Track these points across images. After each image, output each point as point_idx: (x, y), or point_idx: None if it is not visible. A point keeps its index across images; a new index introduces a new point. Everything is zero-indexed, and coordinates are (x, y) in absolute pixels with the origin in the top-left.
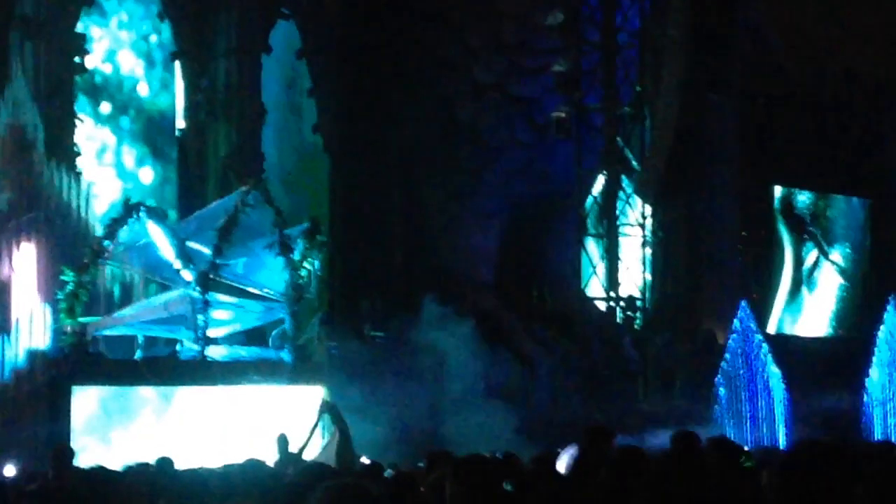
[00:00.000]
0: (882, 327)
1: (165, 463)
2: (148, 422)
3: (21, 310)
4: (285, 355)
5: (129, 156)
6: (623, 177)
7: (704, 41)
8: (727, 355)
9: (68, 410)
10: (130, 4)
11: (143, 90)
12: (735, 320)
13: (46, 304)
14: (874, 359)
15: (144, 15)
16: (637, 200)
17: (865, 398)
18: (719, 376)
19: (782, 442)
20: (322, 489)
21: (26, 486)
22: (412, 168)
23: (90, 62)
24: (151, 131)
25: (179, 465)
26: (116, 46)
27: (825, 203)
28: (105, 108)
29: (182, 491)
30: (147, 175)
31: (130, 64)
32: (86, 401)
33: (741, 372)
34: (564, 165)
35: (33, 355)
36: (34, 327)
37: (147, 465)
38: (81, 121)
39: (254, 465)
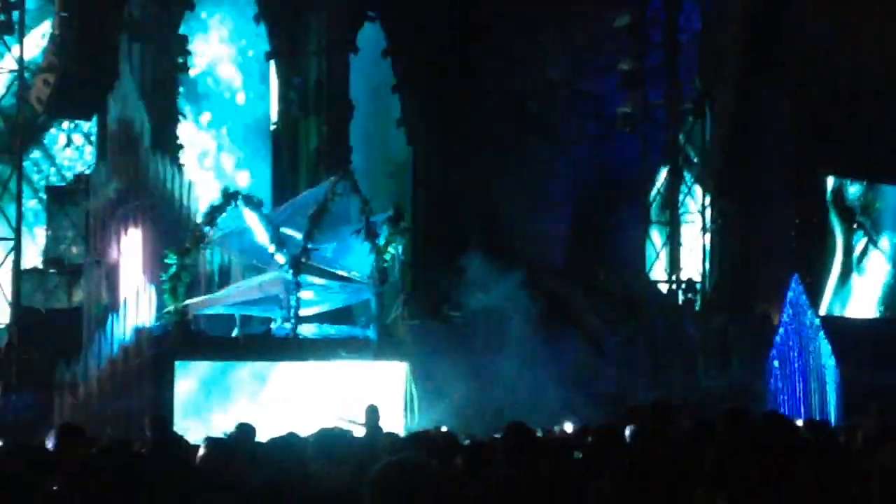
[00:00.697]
0: None
1: (246, 429)
2: (242, 393)
3: (129, 290)
4: (371, 333)
5: (228, 161)
6: (684, 169)
7: (759, 41)
8: (781, 330)
9: (171, 383)
10: (227, 8)
11: (240, 94)
12: (789, 295)
13: (152, 286)
14: None
15: (240, 18)
16: (697, 190)
17: None
18: (773, 352)
19: (833, 416)
20: (384, 463)
21: (131, 448)
22: (487, 158)
23: (193, 69)
24: (248, 134)
25: (273, 433)
26: (215, 49)
27: (874, 194)
28: (206, 116)
29: (274, 455)
30: (244, 178)
31: (229, 65)
32: (187, 374)
33: (794, 348)
34: (630, 158)
35: (140, 332)
36: (140, 306)
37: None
38: (185, 116)
39: (338, 433)
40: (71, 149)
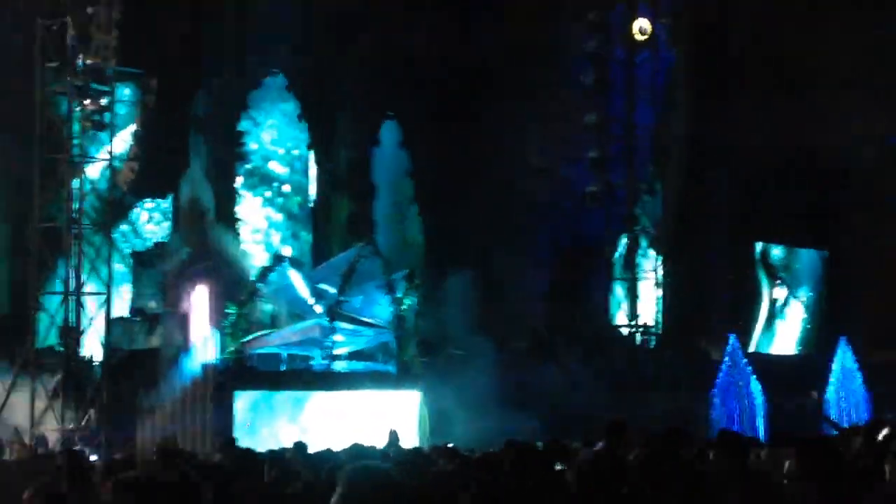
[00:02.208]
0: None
1: (301, 446)
2: (286, 416)
3: (197, 334)
4: (391, 367)
5: (275, 236)
6: (641, 236)
7: (701, 133)
8: (721, 372)
9: (231, 408)
10: (276, 110)
11: (286, 180)
12: (727, 346)
13: (215, 330)
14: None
15: (285, 117)
16: (651, 253)
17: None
18: (715, 388)
19: (761, 433)
20: (350, 468)
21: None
22: (483, 227)
23: (250, 159)
24: (292, 216)
25: (311, 448)
26: (266, 141)
27: (793, 255)
28: (256, 201)
29: (314, 466)
30: (287, 251)
31: (276, 153)
32: (243, 401)
33: (731, 385)
34: (596, 227)
35: (206, 367)
36: (206, 346)
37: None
38: (241, 196)
39: (363, 448)
40: (151, 222)
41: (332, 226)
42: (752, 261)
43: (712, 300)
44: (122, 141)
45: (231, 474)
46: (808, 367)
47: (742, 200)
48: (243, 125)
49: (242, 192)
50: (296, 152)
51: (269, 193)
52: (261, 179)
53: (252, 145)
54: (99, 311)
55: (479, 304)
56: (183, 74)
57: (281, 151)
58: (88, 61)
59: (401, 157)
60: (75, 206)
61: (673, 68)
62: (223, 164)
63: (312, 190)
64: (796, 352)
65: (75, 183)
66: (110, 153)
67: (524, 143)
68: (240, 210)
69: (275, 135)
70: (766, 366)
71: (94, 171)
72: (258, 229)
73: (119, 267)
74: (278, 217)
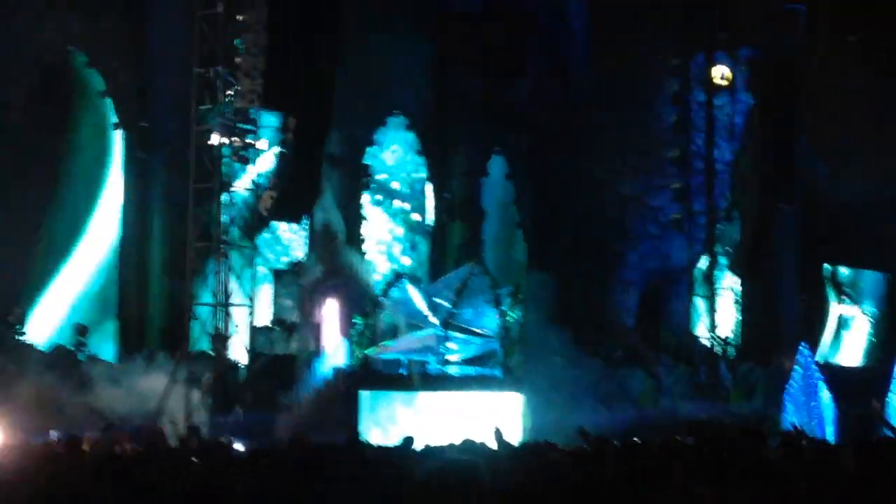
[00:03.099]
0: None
1: (409, 440)
2: (405, 413)
3: (328, 341)
4: (497, 372)
5: (396, 247)
6: (719, 258)
7: (774, 169)
8: (792, 378)
9: (357, 406)
10: (400, 145)
11: (406, 204)
12: (798, 356)
13: (344, 338)
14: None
15: (409, 151)
16: (728, 273)
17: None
18: (787, 392)
19: (829, 435)
20: (438, 461)
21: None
22: (579, 250)
23: (376, 183)
24: (410, 234)
25: (425, 442)
26: (390, 173)
27: (858, 276)
28: (381, 217)
29: (422, 459)
30: (406, 261)
31: (399, 184)
32: (370, 402)
33: (801, 390)
34: (679, 250)
35: (336, 371)
36: (337, 353)
37: (406, 440)
38: (366, 219)
39: (473, 444)
40: (289, 244)
41: (446, 247)
42: (820, 280)
43: (784, 315)
44: (264, 172)
45: (353, 463)
46: (872, 377)
47: (811, 226)
48: (369, 158)
49: (368, 207)
50: (416, 175)
51: (391, 209)
52: (384, 196)
53: (378, 176)
54: (244, 320)
55: (577, 318)
56: (316, 115)
57: (402, 175)
58: (236, 104)
59: (507, 188)
60: (223, 229)
61: (749, 110)
62: (351, 192)
63: (430, 216)
64: (861, 363)
65: (223, 209)
66: (253, 183)
67: (615, 174)
68: (365, 225)
69: (399, 167)
70: (834, 375)
71: (239, 199)
72: (382, 241)
73: (264, 283)
74: (399, 231)
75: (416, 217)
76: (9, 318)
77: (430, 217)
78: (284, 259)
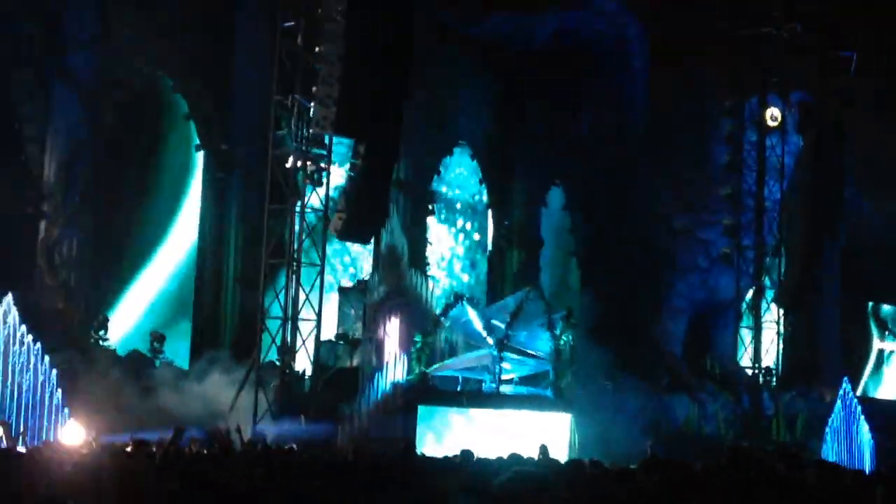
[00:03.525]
0: None
1: (467, 453)
2: (460, 428)
3: (389, 357)
4: (548, 393)
5: (457, 264)
6: (765, 291)
7: (821, 207)
8: (834, 409)
9: (415, 419)
10: (464, 174)
11: (468, 219)
12: (840, 389)
13: (404, 355)
14: None
15: (471, 177)
16: (773, 307)
17: None
18: (828, 424)
19: (865, 466)
20: (512, 471)
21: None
22: (630, 281)
23: (440, 206)
24: (470, 252)
25: (479, 454)
26: (454, 195)
27: None
28: (446, 235)
29: (479, 470)
30: (465, 278)
31: (462, 210)
32: (427, 416)
33: (842, 423)
34: (727, 283)
35: (395, 386)
36: (397, 369)
37: (464, 453)
38: (430, 243)
39: (520, 458)
40: (356, 264)
41: (504, 272)
42: (864, 315)
43: (826, 348)
44: (334, 195)
45: (409, 473)
46: None
47: (855, 264)
48: (435, 186)
49: (432, 225)
50: (478, 199)
51: (453, 229)
52: (448, 214)
53: (444, 196)
54: (310, 334)
55: (626, 344)
56: (385, 143)
57: (466, 198)
58: (310, 130)
59: (564, 218)
60: (294, 247)
61: (798, 151)
62: (417, 217)
63: (489, 240)
64: None
65: (296, 228)
66: (324, 205)
67: (668, 208)
68: (429, 247)
69: (462, 194)
70: (873, 408)
71: (310, 219)
72: (443, 257)
73: (331, 297)
74: (460, 250)
75: (476, 237)
76: (94, 323)
77: (490, 243)
78: (351, 277)
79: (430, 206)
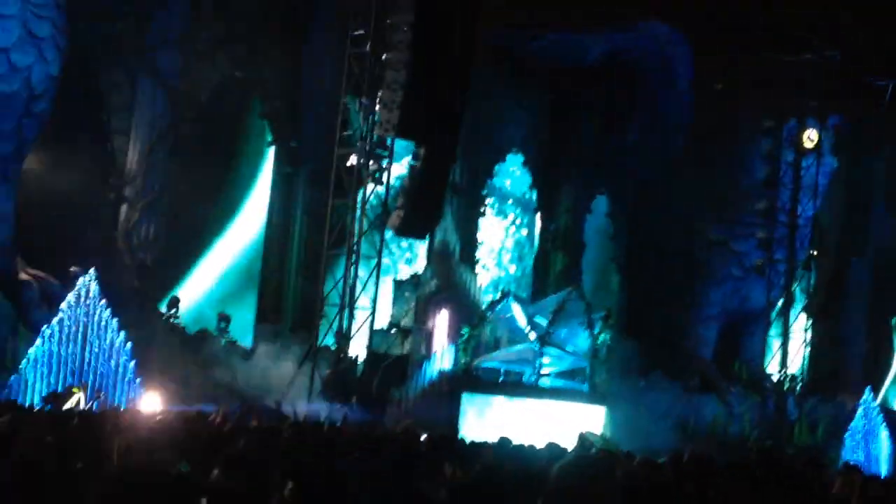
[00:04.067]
0: None
1: (505, 441)
2: (501, 415)
3: (438, 347)
4: (584, 387)
5: (506, 255)
6: (795, 302)
7: (851, 225)
8: (855, 416)
9: (459, 406)
10: (513, 178)
11: (514, 230)
12: (862, 398)
13: (451, 346)
14: None
15: (520, 183)
16: (802, 317)
17: None
18: (849, 430)
19: (882, 471)
20: (573, 456)
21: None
22: (666, 287)
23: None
24: (518, 246)
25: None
26: (504, 203)
27: None
28: (497, 227)
29: (517, 456)
30: (512, 269)
31: (511, 213)
32: (469, 403)
33: (862, 431)
34: (759, 293)
35: (442, 374)
36: (444, 358)
37: (502, 440)
38: (481, 243)
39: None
40: (411, 258)
41: (548, 272)
42: (888, 329)
43: (850, 358)
44: (394, 193)
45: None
46: None
47: (881, 279)
48: (487, 189)
49: (484, 218)
50: (527, 201)
51: (504, 222)
52: (500, 207)
53: (492, 204)
54: (365, 322)
55: (660, 346)
56: (443, 147)
57: (517, 197)
58: (374, 132)
59: (607, 224)
60: (355, 240)
61: (832, 171)
62: (469, 218)
63: (535, 243)
64: None
65: (356, 223)
66: (383, 202)
67: (704, 221)
68: (479, 245)
69: (512, 199)
70: (893, 417)
71: (371, 215)
72: (493, 249)
73: (385, 289)
74: (509, 242)
75: (524, 232)
76: (167, 302)
77: (536, 245)
78: (405, 271)
79: (481, 209)
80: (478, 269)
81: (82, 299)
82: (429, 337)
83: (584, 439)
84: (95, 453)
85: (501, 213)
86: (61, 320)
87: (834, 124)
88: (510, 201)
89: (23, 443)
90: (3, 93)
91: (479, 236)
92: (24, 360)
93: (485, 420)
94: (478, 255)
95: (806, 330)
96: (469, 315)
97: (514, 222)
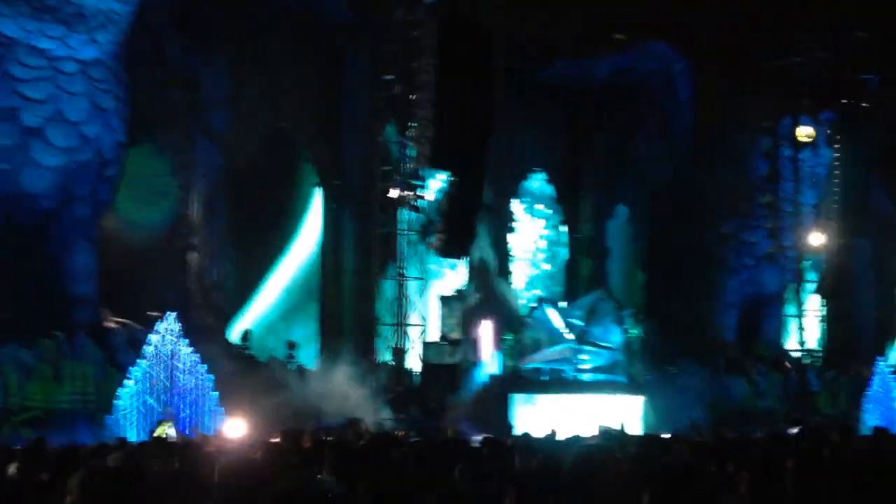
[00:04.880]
0: None
1: (554, 433)
2: (547, 411)
3: (485, 353)
4: (622, 378)
5: (540, 255)
6: (806, 284)
7: (851, 209)
8: (871, 384)
9: (508, 405)
10: (538, 195)
11: (544, 242)
12: (875, 366)
13: (497, 351)
14: None
15: (546, 200)
16: (814, 297)
17: None
18: (866, 396)
19: None
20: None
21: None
22: (687, 281)
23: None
24: (551, 245)
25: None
26: (534, 207)
27: None
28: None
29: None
30: (546, 266)
31: (540, 226)
32: (519, 402)
33: (877, 396)
34: (772, 278)
35: (491, 377)
36: (491, 363)
37: (552, 432)
38: (513, 258)
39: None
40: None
41: (578, 276)
42: (892, 301)
43: (862, 331)
44: (432, 218)
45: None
46: None
47: (883, 256)
48: (515, 207)
49: (518, 214)
50: (552, 223)
51: (537, 222)
52: (532, 206)
53: (521, 218)
54: (418, 337)
55: (687, 335)
56: (472, 173)
57: (544, 225)
58: (410, 165)
59: (628, 230)
60: (401, 264)
61: (829, 162)
62: (501, 235)
63: (563, 250)
64: None
65: (400, 248)
66: (423, 227)
67: (717, 217)
68: (513, 267)
69: (537, 212)
70: None
71: (413, 239)
72: (528, 249)
73: (432, 305)
74: (542, 243)
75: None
76: (242, 336)
77: (565, 253)
78: (449, 287)
79: (510, 225)
80: (513, 267)
81: (164, 339)
82: (476, 345)
83: (604, 430)
84: (203, 476)
85: (533, 213)
86: (148, 360)
87: (826, 119)
88: (541, 206)
89: (154, 470)
90: (78, 162)
91: (511, 247)
92: (117, 399)
93: (534, 416)
94: (511, 267)
95: (819, 308)
96: (510, 322)
97: (546, 223)
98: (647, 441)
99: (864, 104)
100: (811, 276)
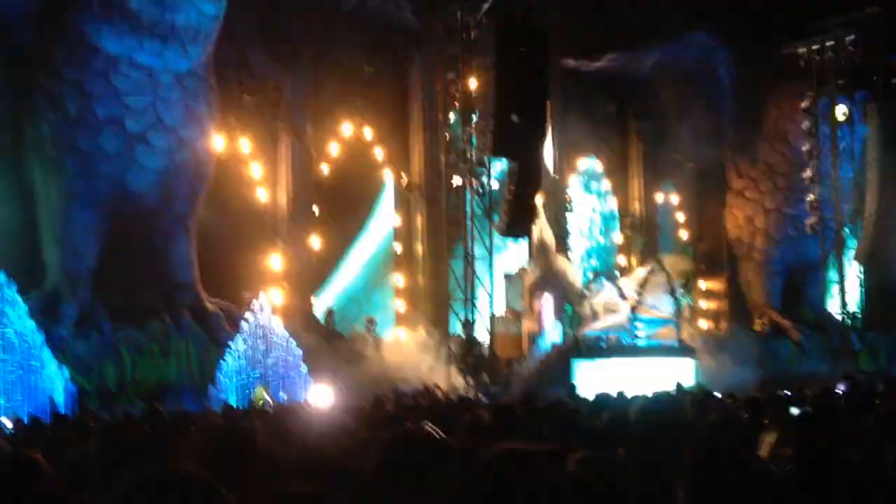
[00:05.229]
0: None
1: (622, 393)
2: (607, 374)
3: (547, 324)
4: (675, 344)
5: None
6: (846, 251)
7: (887, 181)
8: None
9: (571, 370)
10: (593, 178)
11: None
12: None
13: (558, 321)
14: None
15: (597, 178)
16: (854, 263)
17: None
18: None
19: None
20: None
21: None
22: (735, 252)
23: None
24: (605, 220)
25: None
26: (586, 196)
27: None
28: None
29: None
30: (601, 240)
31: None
32: (580, 367)
33: None
34: (814, 248)
35: (554, 345)
36: (553, 332)
37: (619, 393)
38: (570, 235)
39: (663, 393)
40: (517, 253)
41: (630, 252)
42: None
43: None
44: (496, 202)
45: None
46: None
47: None
48: (572, 188)
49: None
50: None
51: (592, 196)
52: (588, 182)
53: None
54: (485, 311)
55: (734, 301)
56: (531, 159)
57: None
58: (474, 155)
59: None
60: (470, 245)
61: (864, 138)
62: (559, 214)
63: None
64: None
65: (468, 231)
66: (488, 209)
67: (761, 193)
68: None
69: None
70: None
71: (479, 223)
72: (584, 226)
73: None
74: (597, 218)
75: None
76: (325, 313)
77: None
78: (513, 265)
79: (566, 206)
80: (571, 243)
81: (258, 317)
82: (538, 317)
83: (679, 385)
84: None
85: (588, 191)
86: (243, 337)
87: (861, 98)
88: (595, 185)
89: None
90: (176, 163)
91: (569, 225)
92: (217, 371)
93: (594, 380)
94: (569, 243)
95: (858, 274)
96: (570, 295)
97: (599, 205)
98: (705, 395)
99: (894, 81)
100: (851, 244)
